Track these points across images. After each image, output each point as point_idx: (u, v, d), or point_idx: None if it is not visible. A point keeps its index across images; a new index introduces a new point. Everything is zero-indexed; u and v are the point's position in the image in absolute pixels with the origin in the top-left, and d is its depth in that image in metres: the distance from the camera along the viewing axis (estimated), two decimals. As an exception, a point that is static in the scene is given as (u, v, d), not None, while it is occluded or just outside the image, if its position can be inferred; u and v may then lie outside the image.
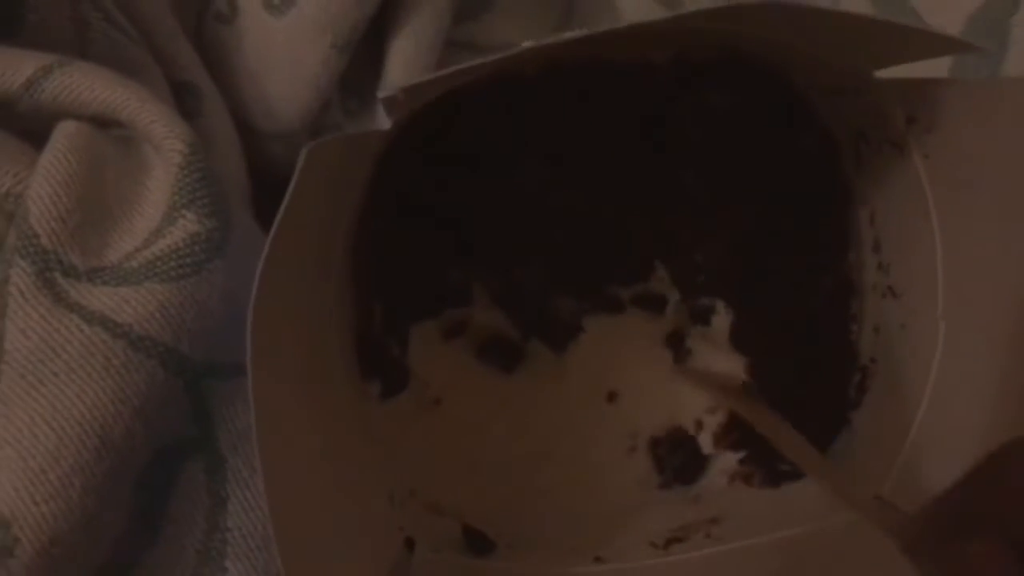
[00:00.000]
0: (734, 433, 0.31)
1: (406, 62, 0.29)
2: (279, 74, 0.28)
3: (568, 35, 0.20)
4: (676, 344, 0.31)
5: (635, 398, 0.31)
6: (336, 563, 0.22)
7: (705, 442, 0.31)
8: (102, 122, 0.23)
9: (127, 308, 0.20)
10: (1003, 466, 0.20)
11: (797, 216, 0.30)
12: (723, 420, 0.31)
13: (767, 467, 0.30)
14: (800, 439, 0.28)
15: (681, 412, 0.31)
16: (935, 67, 0.25)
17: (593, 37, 0.20)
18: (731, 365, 0.31)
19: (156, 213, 0.22)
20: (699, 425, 0.31)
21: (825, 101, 0.28)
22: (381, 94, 0.21)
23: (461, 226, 0.29)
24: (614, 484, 0.31)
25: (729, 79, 0.28)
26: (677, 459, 0.31)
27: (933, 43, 0.22)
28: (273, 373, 0.19)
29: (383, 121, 0.23)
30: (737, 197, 0.29)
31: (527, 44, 0.21)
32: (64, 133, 0.22)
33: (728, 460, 0.31)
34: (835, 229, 0.30)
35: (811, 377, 0.30)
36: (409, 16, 0.28)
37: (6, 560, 0.19)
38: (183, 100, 0.28)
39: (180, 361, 0.21)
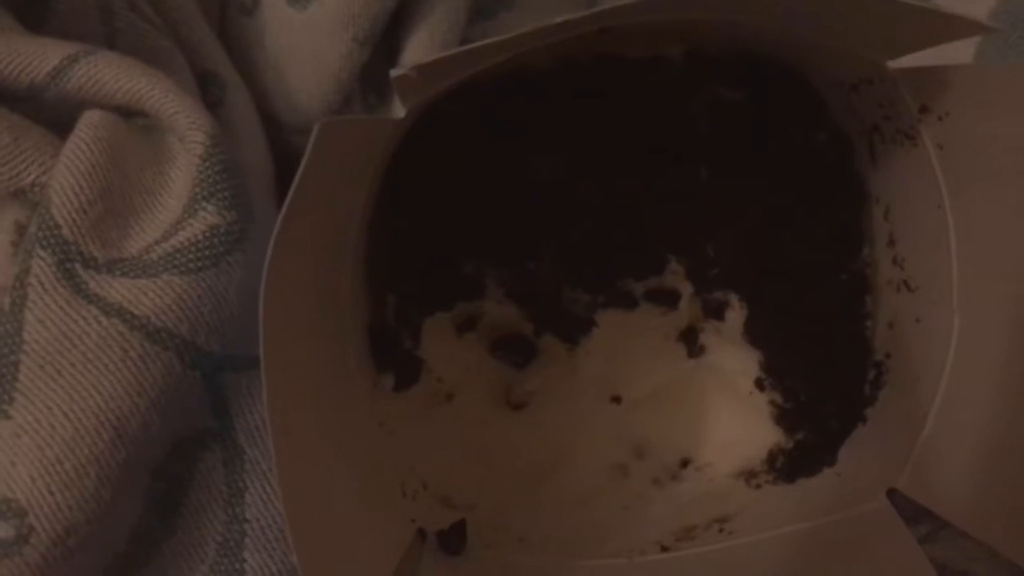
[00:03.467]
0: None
1: (422, 57, 0.28)
2: (301, 67, 0.28)
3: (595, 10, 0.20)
4: (690, 340, 0.31)
5: (645, 404, 0.31)
6: (349, 553, 0.22)
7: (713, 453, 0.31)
8: (127, 112, 0.23)
9: (145, 300, 0.21)
10: None
11: (811, 211, 0.29)
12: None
13: (782, 470, 0.30)
14: None
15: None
16: (958, 61, 0.25)
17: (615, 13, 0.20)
18: (745, 360, 0.31)
19: (177, 205, 0.22)
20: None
21: (838, 96, 0.28)
22: (394, 73, 0.20)
23: (475, 218, 0.29)
24: (622, 483, 0.31)
25: (742, 75, 0.28)
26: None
27: (952, 26, 0.21)
28: (286, 362, 0.19)
29: (399, 113, 0.23)
30: (750, 192, 0.29)
31: (553, 21, 0.20)
32: (88, 123, 0.22)
33: (738, 462, 0.31)
34: (849, 225, 0.29)
35: (826, 373, 0.30)
36: (424, 12, 0.28)
37: (21, 548, 0.20)
38: (207, 89, 0.28)
39: (197, 353, 0.21)
